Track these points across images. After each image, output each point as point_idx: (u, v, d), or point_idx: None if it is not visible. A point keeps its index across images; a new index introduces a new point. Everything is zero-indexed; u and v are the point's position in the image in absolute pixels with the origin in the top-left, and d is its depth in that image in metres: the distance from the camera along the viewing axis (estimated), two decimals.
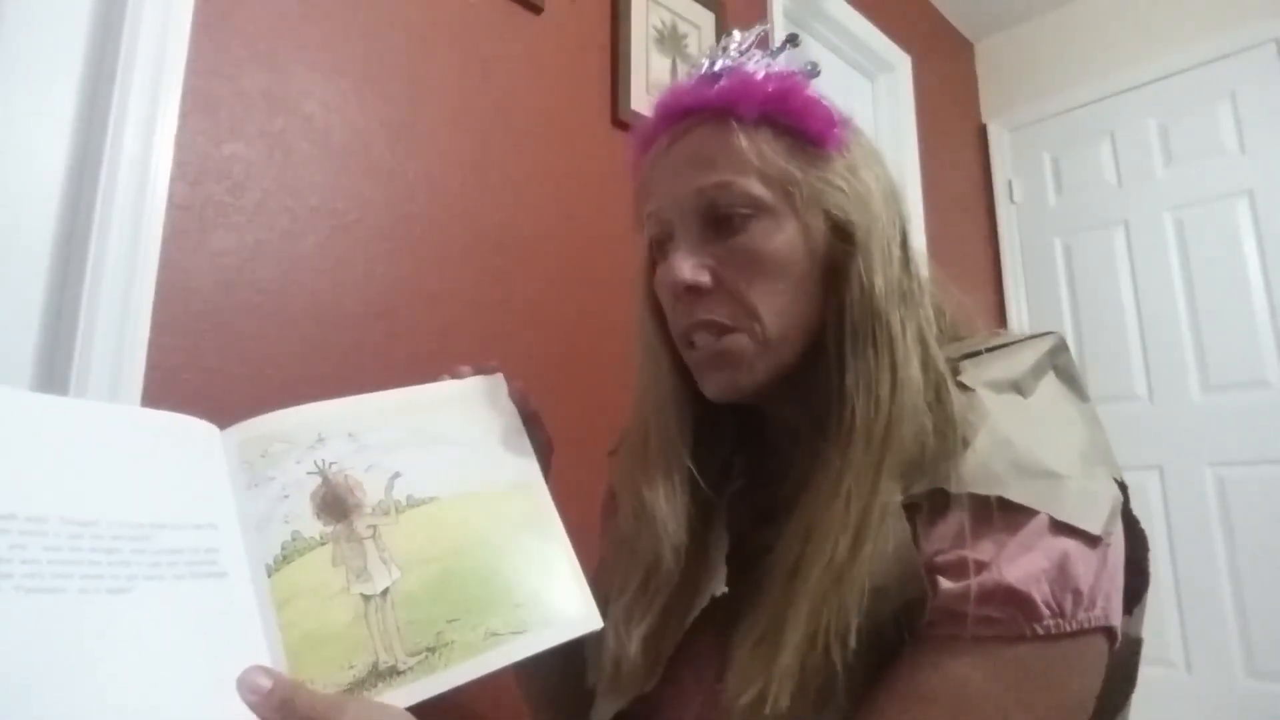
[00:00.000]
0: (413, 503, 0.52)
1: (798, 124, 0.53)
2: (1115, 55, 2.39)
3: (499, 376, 0.63)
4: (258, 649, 0.44)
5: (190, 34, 0.89)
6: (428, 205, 1.10)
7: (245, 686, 0.41)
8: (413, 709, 0.43)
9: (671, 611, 0.55)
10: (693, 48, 1.56)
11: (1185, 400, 2.13)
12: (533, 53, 1.28)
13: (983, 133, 2.66)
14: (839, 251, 0.53)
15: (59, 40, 0.84)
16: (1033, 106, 2.56)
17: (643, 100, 1.43)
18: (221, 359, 0.87)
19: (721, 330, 0.54)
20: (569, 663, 0.61)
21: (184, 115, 0.88)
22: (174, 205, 0.86)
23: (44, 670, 0.36)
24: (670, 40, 1.52)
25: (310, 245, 0.97)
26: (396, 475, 0.53)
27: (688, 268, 0.53)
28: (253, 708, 0.41)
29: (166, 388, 0.82)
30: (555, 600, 0.52)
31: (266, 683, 0.41)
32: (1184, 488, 2.08)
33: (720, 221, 0.53)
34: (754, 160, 0.52)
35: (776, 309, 0.53)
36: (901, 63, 2.29)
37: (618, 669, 0.55)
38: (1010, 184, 2.57)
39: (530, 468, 0.59)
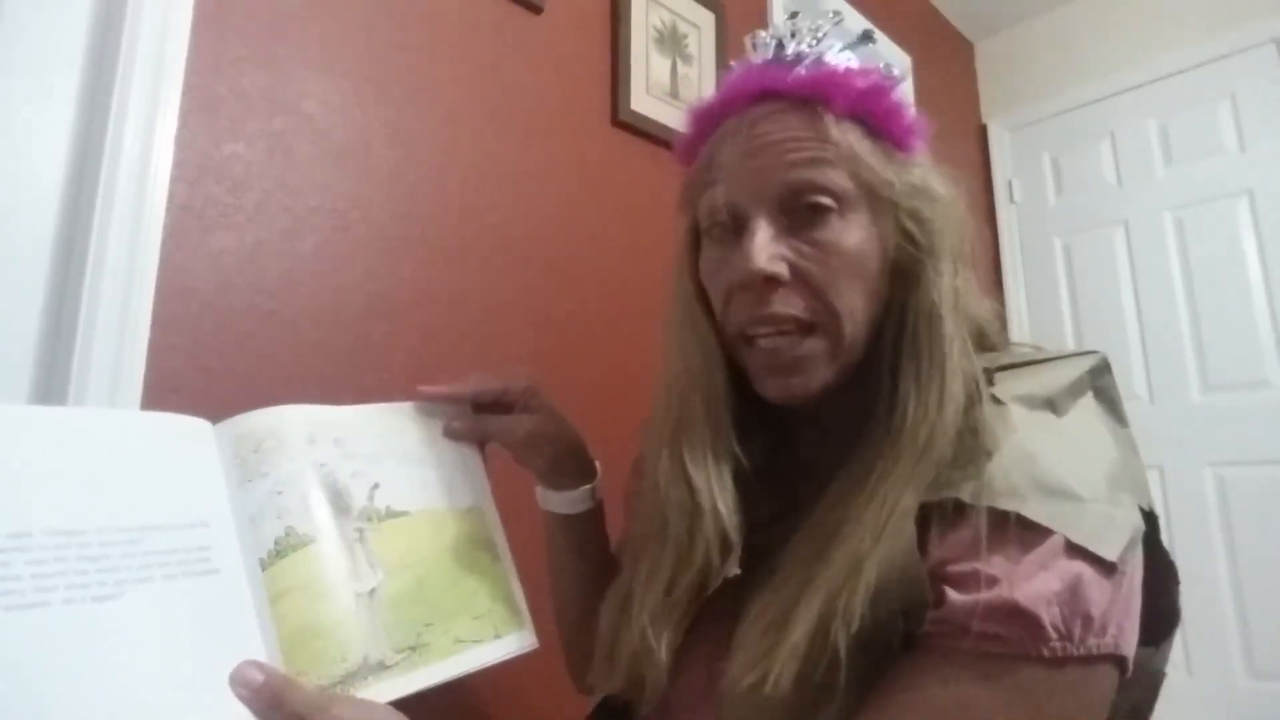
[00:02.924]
0: (391, 513, 0.55)
1: (884, 125, 0.52)
2: (1115, 55, 2.39)
3: (465, 406, 0.65)
4: (252, 643, 0.44)
5: (190, 34, 0.89)
6: (428, 205, 1.10)
7: (238, 681, 0.42)
8: (397, 705, 0.44)
9: (689, 600, 0.55)
10: (693, 48, 1.56)
11: (1185, 400, 2.13)
12: (533, 53, 1.28)
13: (983, 133, 2.65)
14: (907, 256, 0.53)
15: (59, 40, 0.83)
16: (1033, 106, 2.56)
17: (643, 100, 1.43)
18: (221, 359, 0.87)
19: (802, 328, 0.52)
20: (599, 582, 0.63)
21: (184, 115, 0.88)
22: (174, 205, 0.86)
23: (33, 685, 0.36)
24: (670, 40, 1.52)
25: (310, 245, 0.97)
26: (376, 486, 0.55)
27: (764, 257, 0.50)
28: (245, 702, 0.41)
29: (166, 388, 0.82)
30: (504, 618, 0.56)
31: (259, 677, 0.42)
32: (1184, 488, 2.08)
33: (800, 212, 0.52)
34: (846, 155, 0.51)
35: (853, 309, 0.52)
36: (901, 63, 2.28)
37: (640, 668, 0.55)
38: (1010, 184, 2.57)
39: (484, 491, 0.62)
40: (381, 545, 0.52)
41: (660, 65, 1.49)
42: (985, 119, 2.67)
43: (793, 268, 0.52)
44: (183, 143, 0.87)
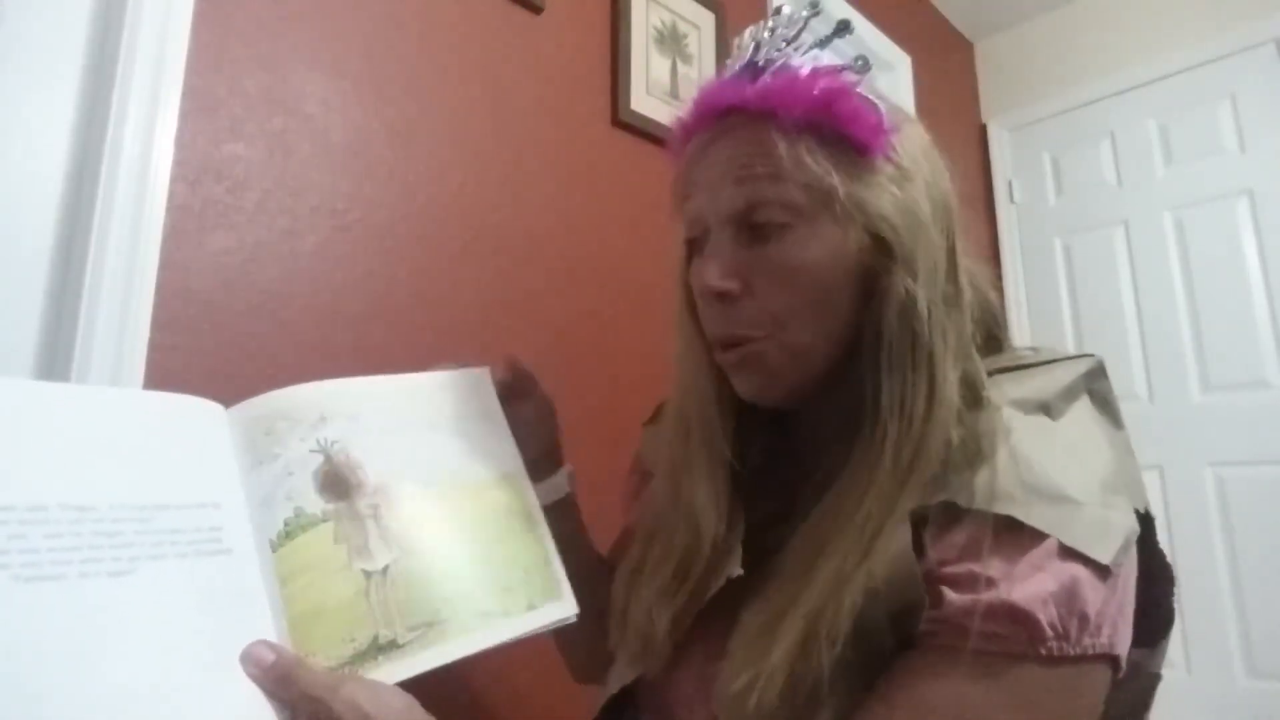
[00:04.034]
0: (411, 484, 0.54)
1: (843, 130, 0.51)
2: (1115, 55, 2.39)
3: (485, 370, 0.65)
4: (262, 623, 0.45)
5: (190, 34, 0.89)
6: (428, 205, 1.10)
7: (249, 660, 0.42)
8: (408, 686, 0.45)
9: (693, 592, 0.56)
10: (693, 48, 1.56)
11: (1185, 400, 2.13)
12: (533, 53, 1.28)
13: (983, 133, 2.66)
14: (879, 264, 0.51)
15: (59, 40, 0.84)
16: (1033, 106, 2.56)
17: (643, 100, 1.43)
18: (221, 359, 0.87)
19: (751, 338, 0.53)
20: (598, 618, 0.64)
21: (184, 115, 0.88)
22: (174, 205, 0.86)
23: (47, 656, 0.37)
24: (670, 40, 1.52)
25: (310, 245, 0.97)
26: (394, 459, 0.54)
27: (715, 274, 0.52)
28: (255, 681, 0.42)
29: (166, 388, 0.82)
30: (539, 587, 0.55)
31: (270, 656, 0.43)
32: (1184, 488, 2.08)
33: (755, 228, 0.52)
34: (793, 169, 0.50)
35: (805, 320, 0.52)
36: (901, 63, 2.28)
37: (646, 645, 0.56)
38: (1010, 184, 2.57)
39: (515, 461, 0.61)
40: (397, 521, 0.51)
41: (660, 65, 1.49)
42: (985, 119, 2.67)
43: (746, 282, 0.53)
44: (183, 143, 0.87)
